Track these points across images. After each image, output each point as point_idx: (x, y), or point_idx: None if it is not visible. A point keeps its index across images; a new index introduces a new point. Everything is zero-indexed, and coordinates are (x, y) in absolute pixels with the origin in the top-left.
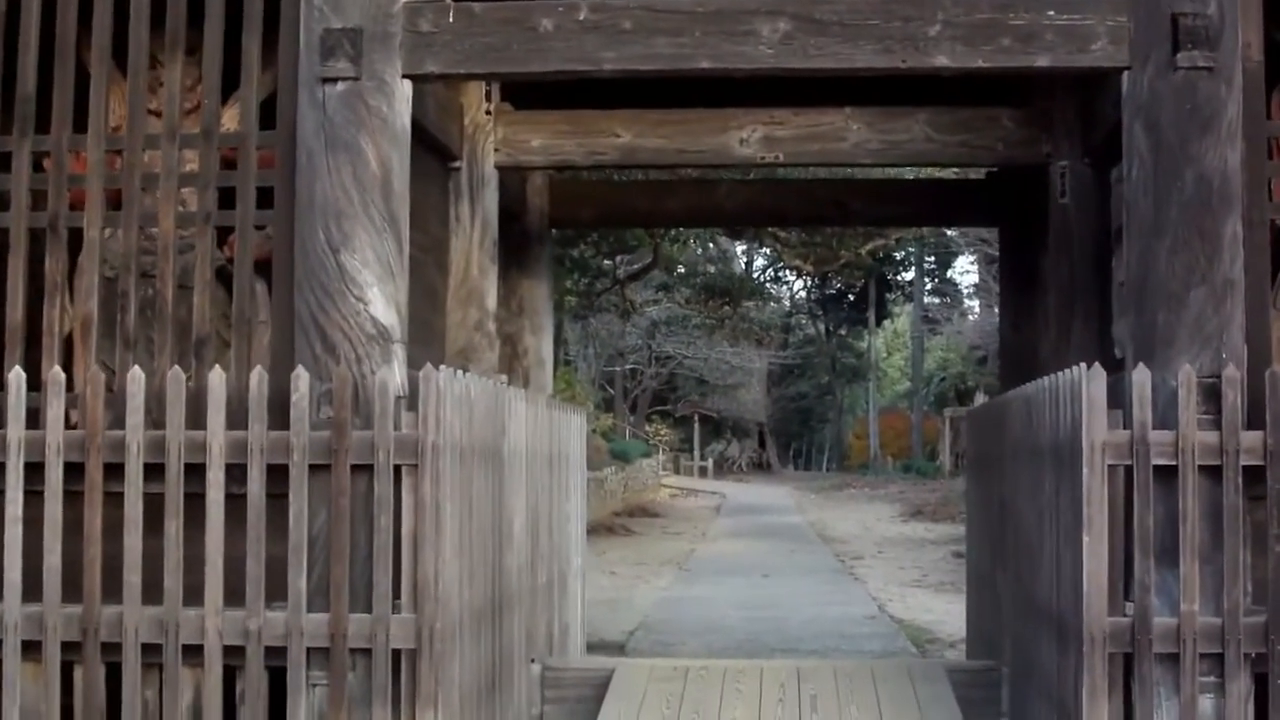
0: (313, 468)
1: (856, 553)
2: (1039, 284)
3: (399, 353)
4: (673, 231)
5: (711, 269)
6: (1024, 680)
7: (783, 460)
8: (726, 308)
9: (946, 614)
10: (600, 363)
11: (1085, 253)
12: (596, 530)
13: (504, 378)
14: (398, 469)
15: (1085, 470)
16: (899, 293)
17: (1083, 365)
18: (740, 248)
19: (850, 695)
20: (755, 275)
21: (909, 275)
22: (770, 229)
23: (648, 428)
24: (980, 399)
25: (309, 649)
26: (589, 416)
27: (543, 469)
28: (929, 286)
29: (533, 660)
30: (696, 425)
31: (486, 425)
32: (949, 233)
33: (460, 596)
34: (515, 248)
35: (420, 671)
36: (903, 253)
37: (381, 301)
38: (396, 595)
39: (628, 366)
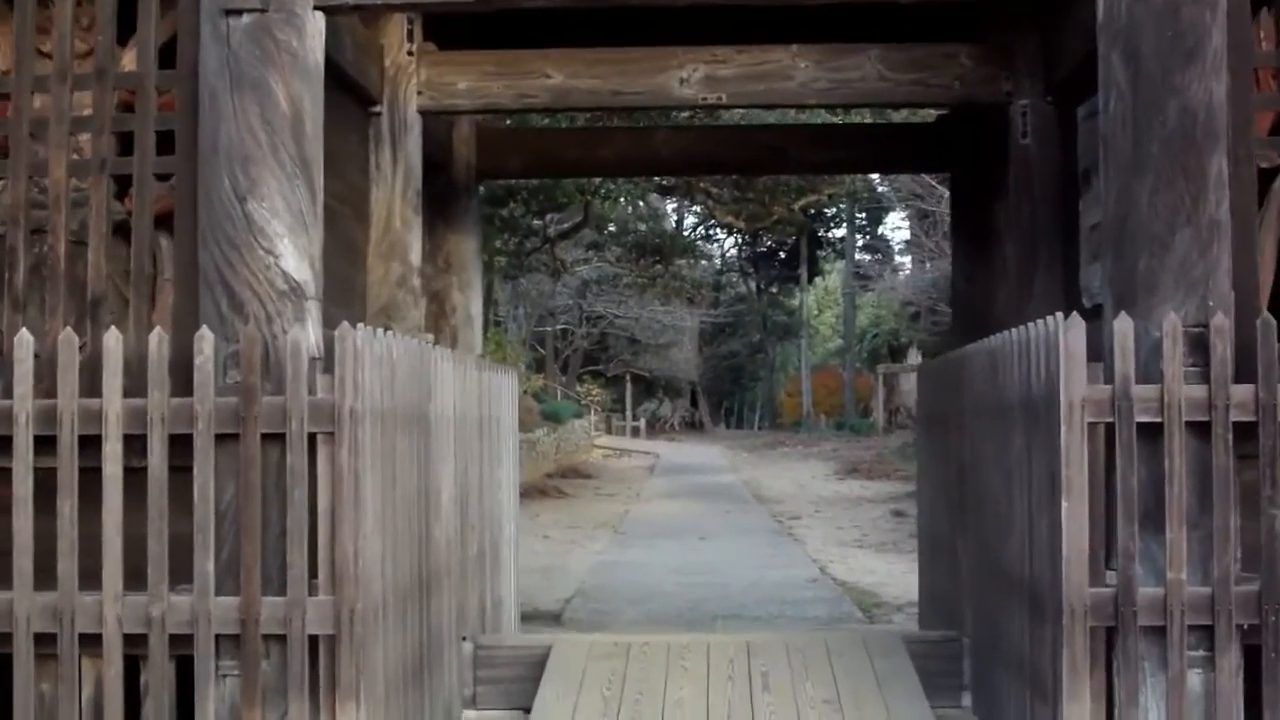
0: (219, 438)
1: (793, 512)
2: (995, 232)
3: (314, 310)
4: (604, 189)
5: (643, 227)
6: (988, 652)
7: (715, 419)
8: (658, 266)
9: (890, 575)
10: (531, 323)
11: (1048, 196)
12: (529, 493)
13: (430, 337)
14: (313, 437)
15: (1063, 429)
16: (830, 250)
17: (1059, 314)
18: (671, 206)
19: (805, 671)
20: (686, 233)
21: (840, 232)
22: (702, 185)
23: (579, 388)
24: (914, 356)
25: (218, 636)
26: (520, 377)
27: (472, 434)
28: (860, 243)
29: (465, 638)
30: (629, 385)
31: (410, 388)
32: (880, 189)
33: (383, 575)
34: (441, 200)
35: (340, 659)
36: (834, 209)
37: (293, 254)
38: (313, 576)
39: (559, 327)
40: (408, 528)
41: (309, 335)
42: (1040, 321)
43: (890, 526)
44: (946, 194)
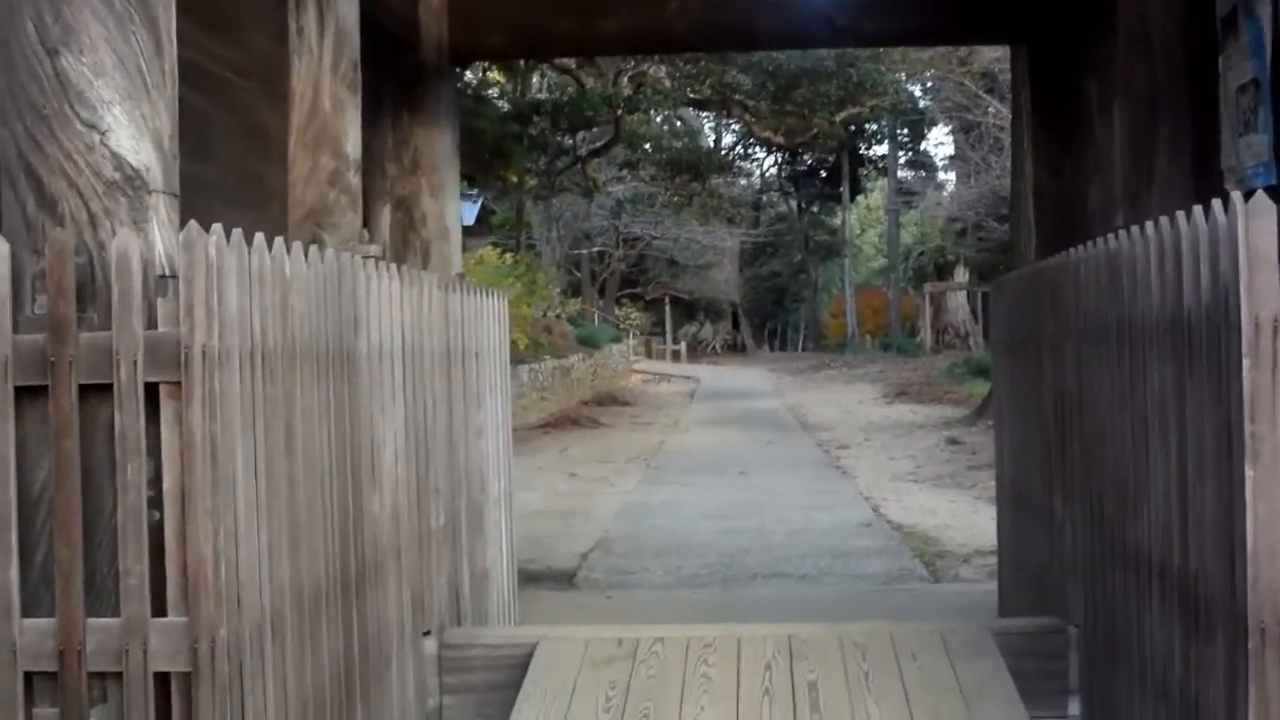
0: (23, 392)
1: (841, 441)
2: (1087, 113)
3: (163, 210)
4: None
5: (678, 144)
6: (1107, 651)
7: (757, 341)
8: (694, 184)
9: (951, 516)
10: (565, 245)
11: (1172, 55)
12: (561, 423)
13: (375, 248)
14: (153, 389)
15: (1245, 362)
16: (872, 167)
17: (1237, 197)
18: (709, 124)
19: (865, 682)
20: (724, 152)
21: (882, 149)
22: (737, 98)
23: (617, 311)
24: (961, 274)
25: (29, 674)
26: (554, 301)
27: (435, 372)
28: (903, 159)
29: (428, 633)
30: (668, 308)
31: (322, 316)
32: (924, 102)
33: (270, 582)
34: (407, 86)
35: (199, 705)
36: (876, 125)
37: (128, 129)
38: (160, 590)
39: (595, 249)
40: (319, 508)
41: (155, 243)
42: (1199, 211)
43: (946, 457)
44: (992, 105)
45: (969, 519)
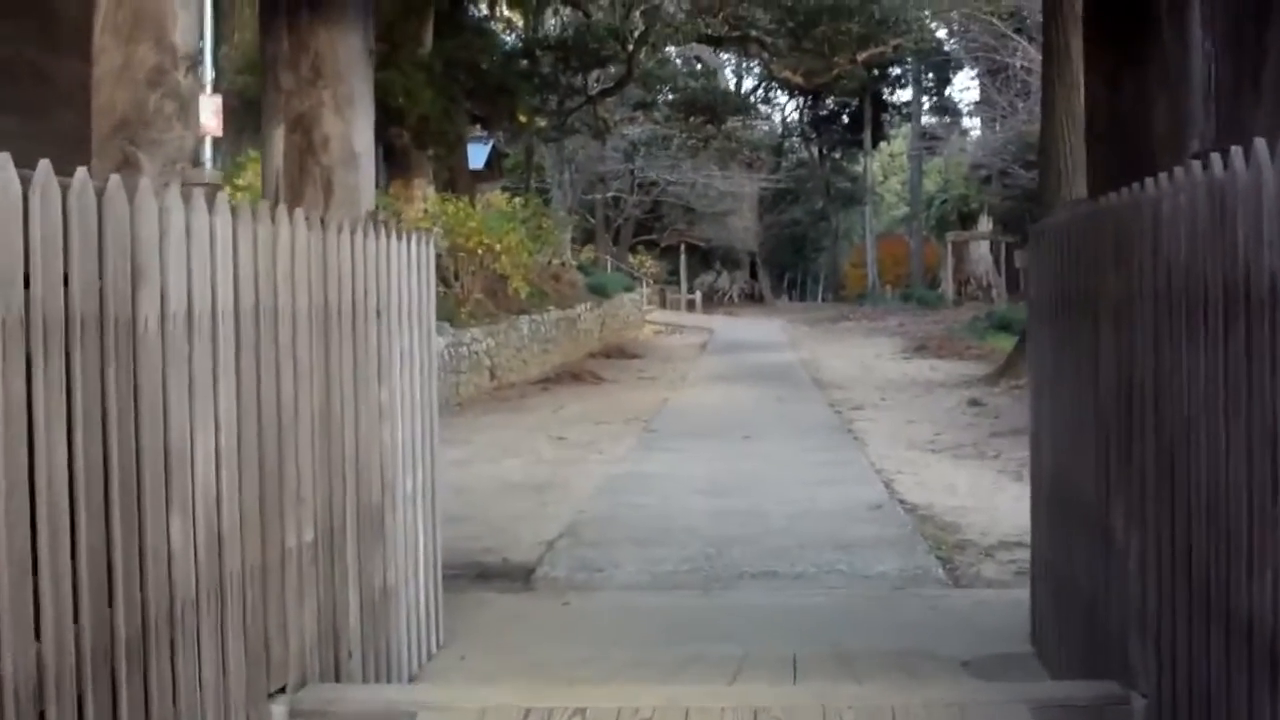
0: None
1: (856, 401)
2: (1156, 8)
3: None
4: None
5: (694, 84)
6: None
7: (776, 291)
8: (710, 126)
9: (972, 494)
10: (578, 190)
11: None
12: (562, 378)
13: (210, 174)
14: None
15: None
16: (895, 113)
17: None
18: (728, 67)
19: None
20: (744, 94)
21: (906, 94)
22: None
23: (631, 259)
24: (985, 223)
25: None
26: (563, 248)
27: (301, 339)
28: (927, 105)
29: (281, 690)
30: (683, 256)
31: (49, 269)
32: (949, 45)
33: None
34: None
35: None
36: (899, 70)
37: None
38: None
39: (609, 194)
40: (53, 551)
41: None
42: None
43: (967, 421)
44: (1020, 45)
45: (991, 498)
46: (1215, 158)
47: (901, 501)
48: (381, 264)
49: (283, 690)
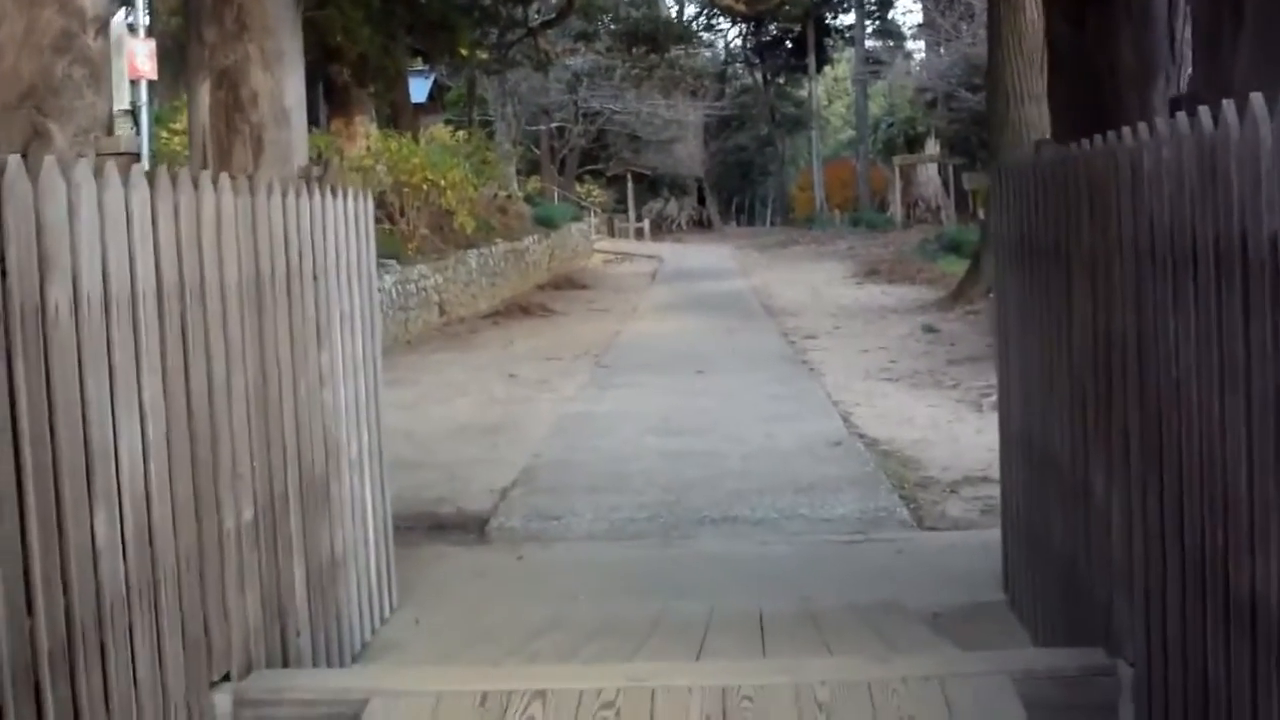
0: None
1: (809, 330)
2: None
3: None
4: None
5: (635, 13)
6: (1183, 707)
7: (724, 217)
8: (653, 56)
9: (931, 426)
10: (521, 122)
11: None
12: (510, 312)
13: (127, 141)
14: None
15: None
16: (839, 37)
17: None
18: None
19: None
20: (686, 22)
21: (849, 18)
22: None
23: (579, 189)
24: (932, 146)
25: None
26: (509, 179)
27: (233, 310)
28: (870, 29)
29: (225, 679)
30: (630, 184)
31: None
32: None
33: None
34: None
35: None
36: None
37: None
38: None
39: (553, 125)
40: None
41: None
42: None
43: (922, 348)
44: None
45: (951, 430)
46: (1204, 112)
47: (861, 436)
48: (317, 224)
49: (226, 678)
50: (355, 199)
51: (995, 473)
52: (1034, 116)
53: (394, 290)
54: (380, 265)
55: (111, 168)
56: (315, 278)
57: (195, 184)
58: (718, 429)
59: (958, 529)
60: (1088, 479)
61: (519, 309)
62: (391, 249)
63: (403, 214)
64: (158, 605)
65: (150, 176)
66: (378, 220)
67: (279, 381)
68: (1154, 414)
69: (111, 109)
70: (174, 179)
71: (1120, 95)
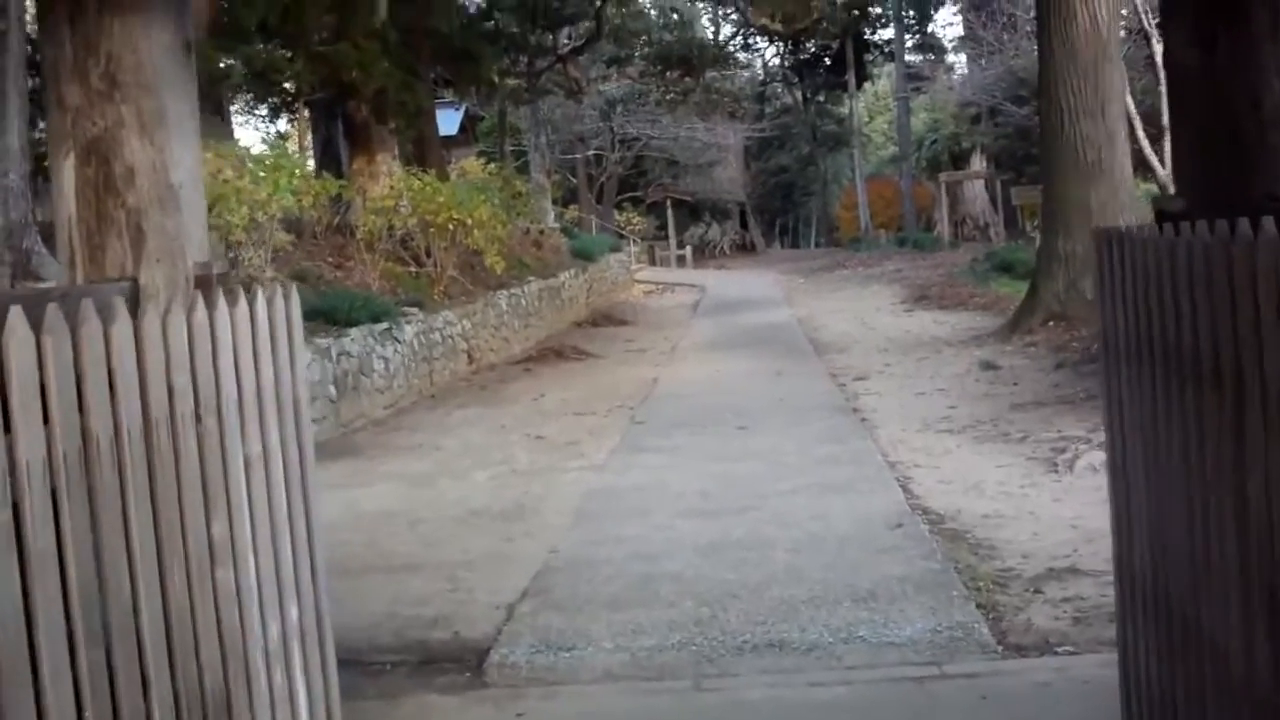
0: None
1: (859, 370)
2: None
3: None
4: None
5: (668, 36)
6: None
7: (768, 240)
8: (687, 79)
9: (1002, 493)
10: (557, 151)
11: None
12: (544, 356)
13: None
14: None
15: None
16: (878, 52)
17: None
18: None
19: None
20: (722, 43)
21: (888, 33)
22: None
23: (617, 217)
24: (978, 162)
25: None
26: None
27: (61, 503)
28: (910, 43)
29: None
30: (670, 210)
31: None
32: None
33: None
34: None
35: None
36: (879, 8)
37: None
38: None
39: (589, 152)
40: None
41: None
42: None
43: (982, 389)
44: None
45: (1026, 500)
46: None
47: (924, 512)
48: (206, 346)
49: None
50: (273, 301)
51: (1082, 560)
52: (1090, 131)
53: (416, 340)
54: (403, 314)
55: None
56: (198, 419)
57: None
58: (763, 506)
59: (1048, 649)
60: (1265, 663)
61: (553, 353)
62: (416, 294)
63: (429, 255)
64: None
65: None
66: (404, 263)
67: (137, 578)
68: None
69: None
70: None
71: (1266, 138)
